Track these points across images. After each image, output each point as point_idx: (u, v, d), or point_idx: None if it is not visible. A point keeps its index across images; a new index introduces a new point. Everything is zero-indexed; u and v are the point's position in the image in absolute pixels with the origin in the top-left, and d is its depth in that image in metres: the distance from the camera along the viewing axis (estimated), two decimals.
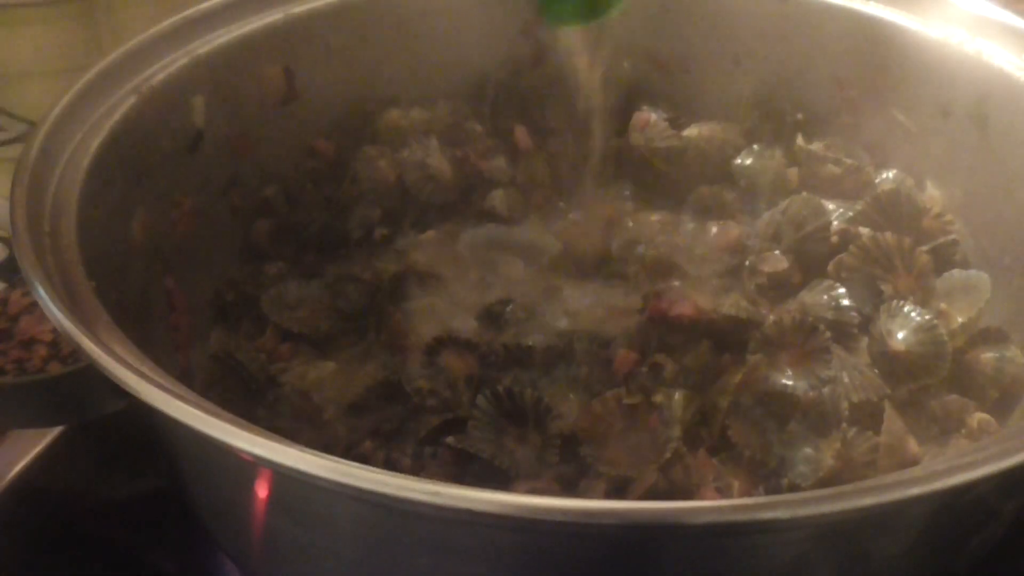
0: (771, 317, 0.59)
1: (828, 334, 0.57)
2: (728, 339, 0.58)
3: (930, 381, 0.57)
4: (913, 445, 0.54)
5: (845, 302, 0.61)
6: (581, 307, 0.64)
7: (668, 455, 0.51)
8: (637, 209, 0.72)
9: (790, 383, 0.55)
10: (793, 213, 0.66)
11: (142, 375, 0.39)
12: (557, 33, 0.64)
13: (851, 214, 0.66)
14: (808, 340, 0.57)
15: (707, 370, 0.56)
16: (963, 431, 0.56)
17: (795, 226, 0.66)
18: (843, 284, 0.62)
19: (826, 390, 0.55)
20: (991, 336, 0.59)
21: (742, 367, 0.56)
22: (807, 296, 0.62)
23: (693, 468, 0.52)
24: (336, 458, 0.35)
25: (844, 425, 0.55)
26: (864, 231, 0.63)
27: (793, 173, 0.70)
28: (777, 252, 0.65)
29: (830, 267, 0.63)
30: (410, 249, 0.69)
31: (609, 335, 0.59)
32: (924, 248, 0.63)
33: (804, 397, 0.55)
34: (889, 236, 0.62)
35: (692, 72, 0.74)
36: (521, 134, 0.74)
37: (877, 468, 0.53)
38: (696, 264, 0.67)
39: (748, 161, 0.72)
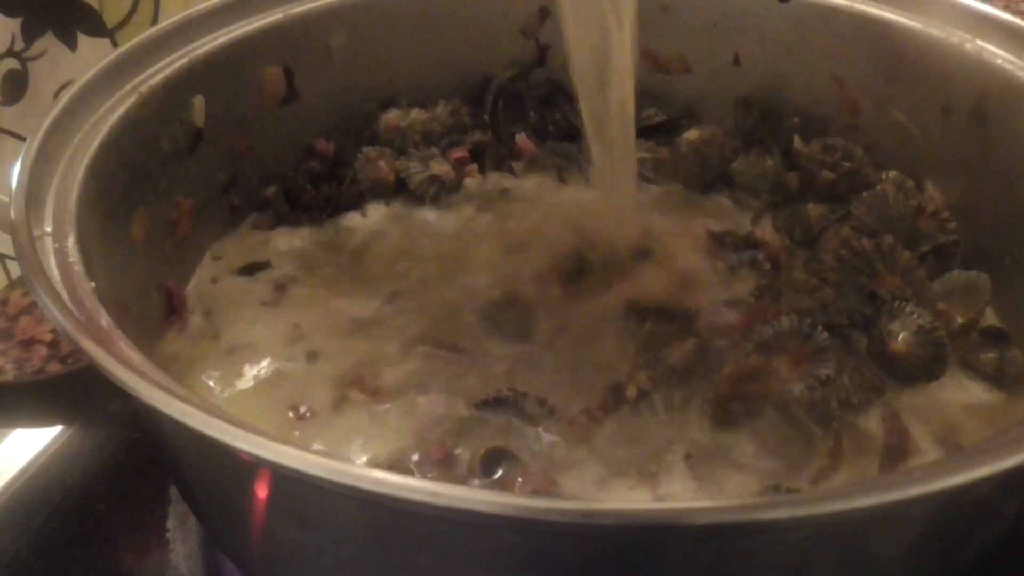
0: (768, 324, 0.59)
1: (826, 335, 0.57)
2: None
3: (930, 382, 0.57)
4: (913, 445, 0.54)
5: (835, 303, 0.61)
6: (576, 304, 0.63)
7: (669, 455, 0.51)
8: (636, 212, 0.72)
9: (788, 384, 0.55)
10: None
11: (142, 375, 0.39)
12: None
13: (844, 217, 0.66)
14: (806, 342, 0.57)
15: (694, 368, 0.56)
16: (963, 431, 0.56)
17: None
18: (834, 287, 0.62)
19: (824, 391, 0.55)
20: (991, 336, 0.59)
21: (733, 366, 0.56)
22: (799, 298, 0.62)
23: (694, 468, 0.52)
24: (336, 458, 0.35)
25: (843, 426, 0.55)
26: (848, 238, 0.63)
27: (793, 176, 0.70)
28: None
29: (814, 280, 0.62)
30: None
31: (601, 333, 0.59)
32: (923, 248, 0.63)
33: (803, 398, 0.55)
34: (865, 241, 0.62)
35: (692, 72, 0.75)
36: (523, 141, 0.74)
37: (877, 468, 0.53)
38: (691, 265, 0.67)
39: (747, 164, 0.72)
